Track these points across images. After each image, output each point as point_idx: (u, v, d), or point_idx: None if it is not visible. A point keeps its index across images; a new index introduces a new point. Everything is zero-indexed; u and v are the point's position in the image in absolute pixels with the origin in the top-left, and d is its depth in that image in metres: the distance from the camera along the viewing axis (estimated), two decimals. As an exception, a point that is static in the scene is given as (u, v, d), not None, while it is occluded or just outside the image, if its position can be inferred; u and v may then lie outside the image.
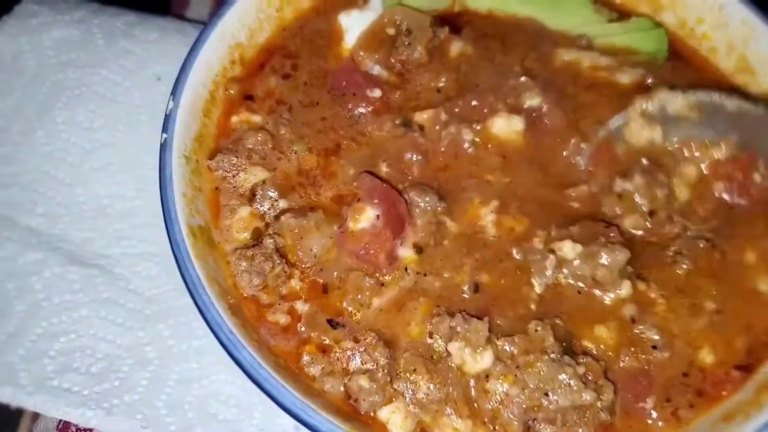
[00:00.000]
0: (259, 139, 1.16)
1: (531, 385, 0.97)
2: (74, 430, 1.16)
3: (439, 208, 1.12)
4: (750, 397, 0.99)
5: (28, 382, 1.12)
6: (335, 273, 1.09)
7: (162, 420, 1.12)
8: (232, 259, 1.06)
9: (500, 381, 0.98)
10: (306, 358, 1.01)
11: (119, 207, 1.31)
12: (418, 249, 1.11)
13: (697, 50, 1.33)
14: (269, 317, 1.05)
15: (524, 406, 0.97)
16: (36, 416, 1.19)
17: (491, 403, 0.99)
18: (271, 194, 1.14)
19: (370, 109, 1.23)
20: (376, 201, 1.07)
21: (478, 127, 1.19)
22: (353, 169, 1.17)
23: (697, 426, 0.98)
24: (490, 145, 1.19)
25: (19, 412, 1.22)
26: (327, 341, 1.03)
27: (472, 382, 1.00)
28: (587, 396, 0.95)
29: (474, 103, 1.21)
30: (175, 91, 1.07)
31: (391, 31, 1.28)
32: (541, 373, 0.97)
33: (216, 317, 0.90)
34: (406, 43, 1.26)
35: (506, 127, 1.18)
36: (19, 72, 1.39)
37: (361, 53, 1.26)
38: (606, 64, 1.26)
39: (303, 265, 1.09)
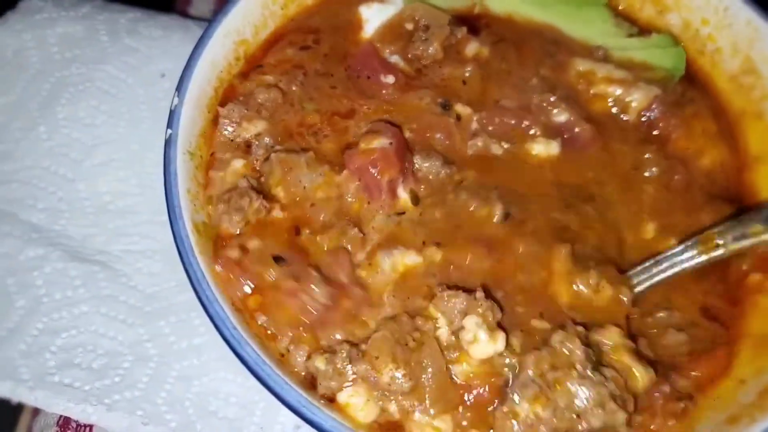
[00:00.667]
0: (271, 95, 1.17)
1: (561, 405, 0.92)
2: (74, 426, 1.16)
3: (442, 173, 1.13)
4: (754, 399, 0.99)
5: (29, 377, 1.12)
6: (322, 216, 1.09)
7: (162, 417, 1.12)
8: (214, 209, 1.07)
9: (527, 403, 0.93)
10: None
11: (120, 203, 1.31)
12: (415, 198, 1.11)
13: (713, 76, 1.32)
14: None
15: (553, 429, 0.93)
16: (36, 412, 1.19)
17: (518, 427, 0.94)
18: (267, 141, 1.15)
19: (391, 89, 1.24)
20: (390, 134, 1.10)
21: (507, 146, 1.19)
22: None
23: (702, 427, 0.98)
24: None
25: (18, 409, 1.22)
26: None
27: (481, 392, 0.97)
28: (620, 417, 0.91)
29: (511, 121, 1.21)
30: (180, 87, 1.06)
31: (409, 26, 1.29)
32: (572, 393, 0.92)
33: (219, 312, 0.89)
34: (423, 39, 1.26)
35: (544, 150, 1.19)
36: (22, 68, 1.39)
37: (378, 44, 1.28)
38: (620, 77, 1.26)
39: (286, 200, 1.09)
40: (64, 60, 1.40)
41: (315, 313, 0.98)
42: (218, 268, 0.99)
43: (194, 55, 1.09)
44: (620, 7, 1.40)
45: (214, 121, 1.15)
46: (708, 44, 1.31)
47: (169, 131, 1.03)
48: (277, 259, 1.01)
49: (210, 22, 1.14)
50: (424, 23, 1.28)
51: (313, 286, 0.99)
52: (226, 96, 1.18)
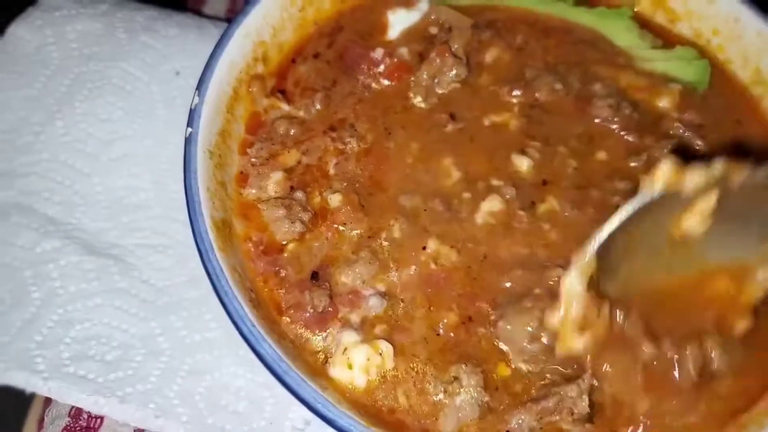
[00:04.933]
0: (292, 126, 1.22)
1: None
2: (86, 417, 1.17)
3: None
4: (765, 406, 1.00)
5: (45, 368, 1.13)
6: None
7: (174, 410, 1.13)
8: (268, 208, 1.11)
9: None
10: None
11: (134, 198, 1.32)
12: None
13: (737, 87, 1.32)
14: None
15: None
16: (48, 402, 1.21)
17: None
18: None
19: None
20: None
21: None
22: None
23: None
24: None
25: (29, 399, 1.24)
26: None
27: None
28: None
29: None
30: (200, 87, 1.08)
31: (433, 30, 1.32)
32: None
33: (238, 309, 0.91)
34: (444, 41, 1.28)
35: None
36: (44, 63, 1.40)
37: (408, 46, 1.31)
38: (643, 84, 1.27)
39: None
40: (83, 56, 1.41)
41: None
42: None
43: (214, 54, 1.11)
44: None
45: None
46: (718, 55, 1.33)
47: (190, 129, 1.04)
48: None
49: (230, 22, 1.16)
50: (448, 26, 1.31)
51: None
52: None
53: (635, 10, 1.40)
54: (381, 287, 1.07)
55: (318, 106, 1.24)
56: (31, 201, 1.28)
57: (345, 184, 1.15)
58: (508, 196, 1.14)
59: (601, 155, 1.20)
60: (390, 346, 1.02)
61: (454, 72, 1.25)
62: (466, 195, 1.15)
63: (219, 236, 0.99)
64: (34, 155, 1.32)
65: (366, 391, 1.01)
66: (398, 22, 1.34)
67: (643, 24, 1.38)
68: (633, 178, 1.13)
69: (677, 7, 1.36)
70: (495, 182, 1.16)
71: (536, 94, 1.26)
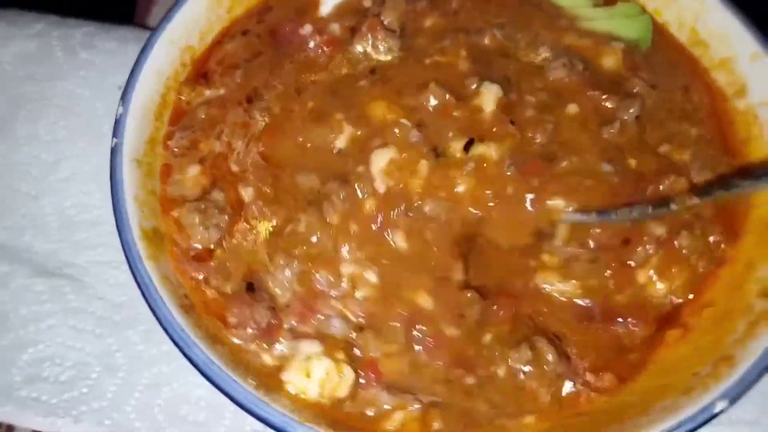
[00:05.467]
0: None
1: None
2: (48, 438, 1.17)
3: None
4: (709, 369, 0.98)
5: (-4, 394, 1.13)
6: None
7: (131, 424, 1.13)
8: (183, 214, 1.07)
9: None
10: None
11: (86, 216, 1.31)
12: None
13: (678, 43, 1.30)
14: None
15: None
16: (11, 428, 1.21)
17: None
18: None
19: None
20: None
21: None
22: None
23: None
24: None
25: (-5, 426, 1.23)
26: None
27: None
28: None
29: None
30: (125, 97, 1.07)
31: (367, 3, 1.28)
32: None
33: (167, 316, 0.90)
34: (376, 13, 1.24)
35: None
36: (-22, 88, 1.40)
37: (339, 22, 1.26)
38: (587, 44, 1.24)
39: None
40: (19, 78, 1.40)
41: None
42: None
43: (138, 64, 1.10)
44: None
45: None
46: (656, 18, 1.31)
47: (115, 140, 1.04)
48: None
49: (152, 30, 1.14)
50: None
51: None
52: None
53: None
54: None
55: (238, 80, 1.19)
56: (-22, 228, 1.27)
57: (254, 170, 1.10)
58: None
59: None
60: (353, 375, 0.99)
61: (386, 45, 1.21)
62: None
63: (150, 245, 0.98)
64: (-23, 182, 1.32)
65: (313, 404, 0.99)
66: None
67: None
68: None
69: (612, -29, 1.33)
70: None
71: (485, 41, 1.22)
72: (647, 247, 1.07)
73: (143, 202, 1.02)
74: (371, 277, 1.04)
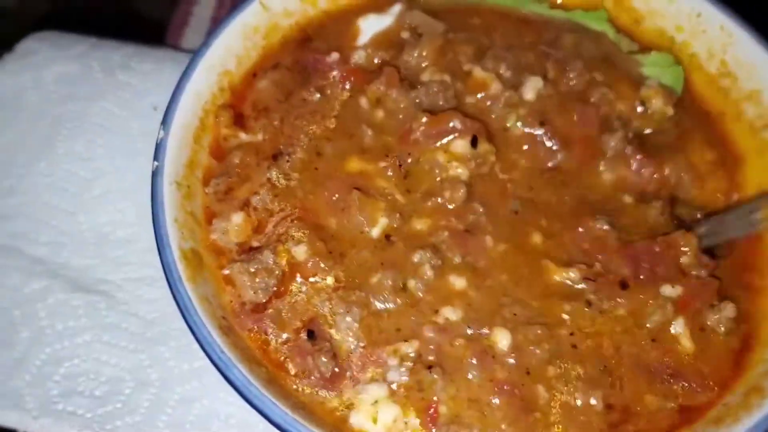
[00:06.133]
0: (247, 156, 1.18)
1: None
2: (79, 452, 1.20)
3: None
4: (740, 399, 1.00)
5: (34, 407, 1.16)
6: None
7: (164, 440, 1.15)
8: (233, 273, 1.07)
9: None
10: None
11: (120, 233, 1.35)
12: None
13: (690, 82, 1.32)
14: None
15: None
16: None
17: None
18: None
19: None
20: None
21: None
22: None
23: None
24: None
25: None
26: None
27: None
28: None
29: None
30: (165, 120, 1.10)
31: (405, 35, 1.28)
32: None
33: (207, 337, 0.92)
34: (413, 45, 1.24)
35: None
36: (21, 107, 1.44)
37: (369, 50, 1.27)
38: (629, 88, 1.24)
39: None
40: (61, 98, 1.45)
41: None
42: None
43: (178, 88, 1.13)
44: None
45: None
46: (684, 50, 1.33)
47: (156, 163, 1.06)
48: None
49: (192, 55, 1.18)
50: (419, 32, 1.26)
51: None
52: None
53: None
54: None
55: (269, 129, 1.20)
56: (18, 243, 1.31)
57: (307, 231, 1.09)
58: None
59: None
60: (417, 422, 0.99)
61: (396, 97, 1.20)
62: None
63: (188, 266, 1.01)
64: (18, 197, 1.36)
65: None
66: (369, 27, 1.31)
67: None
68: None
69: (640, 7, 1.35)
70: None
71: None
72: None
73: (182, 224, 1.05)
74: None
